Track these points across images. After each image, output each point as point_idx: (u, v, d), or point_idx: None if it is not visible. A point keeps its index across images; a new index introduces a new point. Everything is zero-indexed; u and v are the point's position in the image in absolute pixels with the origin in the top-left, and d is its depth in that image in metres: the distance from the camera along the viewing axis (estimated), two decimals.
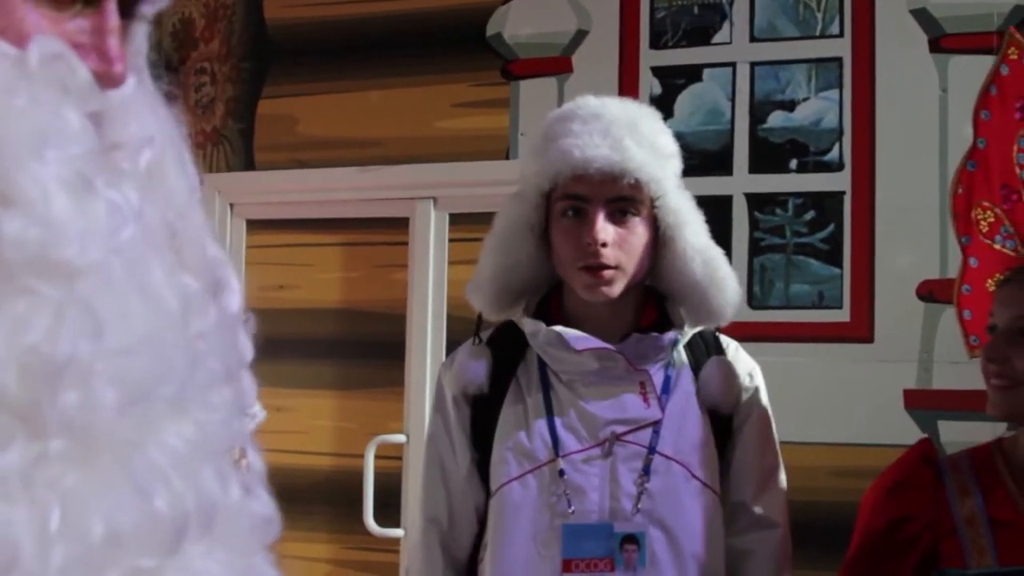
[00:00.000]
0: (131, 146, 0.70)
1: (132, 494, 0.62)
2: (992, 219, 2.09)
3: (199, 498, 0.66)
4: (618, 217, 1.91)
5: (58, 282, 0.61)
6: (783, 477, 2.04)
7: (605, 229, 1.88)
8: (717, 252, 1.97)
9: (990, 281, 1.99)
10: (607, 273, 1.89)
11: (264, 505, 0.76)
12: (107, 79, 0.69)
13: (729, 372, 1.98)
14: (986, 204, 2.00)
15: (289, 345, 4.03)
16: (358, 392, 3.95)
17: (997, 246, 2.12)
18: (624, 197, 1.90)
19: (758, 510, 1.98)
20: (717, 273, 1.95)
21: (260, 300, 4.05)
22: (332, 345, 4.00)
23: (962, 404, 3.16)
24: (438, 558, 2.02)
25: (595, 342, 1.91)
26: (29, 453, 0.59)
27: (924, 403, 3.24)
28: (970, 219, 2.10)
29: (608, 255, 1.88)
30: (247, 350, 0.76)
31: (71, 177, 0.63)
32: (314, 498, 3.94)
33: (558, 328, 1.93)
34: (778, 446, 2.06)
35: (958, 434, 3.04)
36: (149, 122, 0.72)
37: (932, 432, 3.18)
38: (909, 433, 3.21)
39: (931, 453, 1.99)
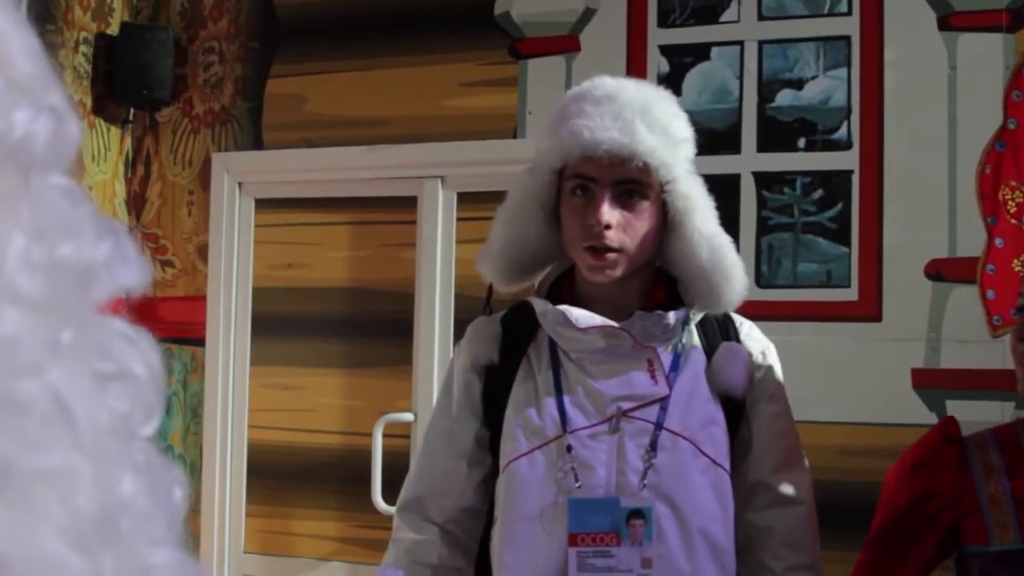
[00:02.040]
0: None
1: None
2: (1021, 199, 2.05)
3: None
4: (625, 200, 1.90)
5: None
6: (804, 455, 2.03)
7: (610, 211, 1.88)
8: (725, 240, 1.96)
9: (1016, 261, 1.95)
10: (610, 256, 1.89)
11: None
12: None
13: (740, 358, 1.97)
14: (1014, 184, 1.97)
15: (297, 324, 4.05)
16: (366, 370, 3.96)
17: None
18: (632, 180, 1.89)
19: (780, 488, 1.96)
20: (723, 261, 1.94)
21: (269, 279, 4.06)
22: (340, 324, 4.01)
23: (970, 383, 3.17)
24: (420, 522, 2.04)
25: (599, 320, 1.91)
26: None
27: (932, 382, 3.24)
28: (997, 199, 2.05)
29: (612, 237, 1.88)
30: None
31: None
32: (323, 476, 3.96)
33: (563, 307, 1.94)
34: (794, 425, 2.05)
35: (966, 413, 3.03)
36: None
37: (939, 411, 3.19)
38: (917, 412, 3.21)
39: (955, 431, 1.99)
